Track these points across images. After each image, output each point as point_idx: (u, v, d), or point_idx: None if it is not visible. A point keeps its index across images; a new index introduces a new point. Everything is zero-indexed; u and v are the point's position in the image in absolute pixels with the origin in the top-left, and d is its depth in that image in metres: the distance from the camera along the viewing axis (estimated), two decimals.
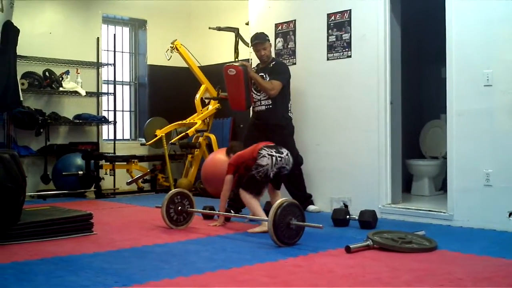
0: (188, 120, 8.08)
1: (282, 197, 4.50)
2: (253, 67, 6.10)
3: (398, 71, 5.95)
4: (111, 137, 8.81)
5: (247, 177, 4.89)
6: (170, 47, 8.07)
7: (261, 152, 4.85)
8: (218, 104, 8.08)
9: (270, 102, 5.89)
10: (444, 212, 5.25)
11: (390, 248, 3.95)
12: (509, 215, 4.81)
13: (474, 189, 5.02)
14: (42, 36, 8.15)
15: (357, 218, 5.05)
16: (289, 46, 6.64)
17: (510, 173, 4.82)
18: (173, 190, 5.17)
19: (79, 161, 7.68)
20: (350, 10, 6.01)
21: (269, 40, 6.07)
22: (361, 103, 5.90)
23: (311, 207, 6.09)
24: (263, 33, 6.15)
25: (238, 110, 6.31)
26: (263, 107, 5.93)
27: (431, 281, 3.15)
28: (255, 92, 5.98)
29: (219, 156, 7.13)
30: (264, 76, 5.93)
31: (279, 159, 4.84)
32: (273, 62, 6.04)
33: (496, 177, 4.89)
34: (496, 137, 4.91)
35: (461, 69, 5.12)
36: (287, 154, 4.93)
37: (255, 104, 6.02)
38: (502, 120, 4.88)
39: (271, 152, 4.84)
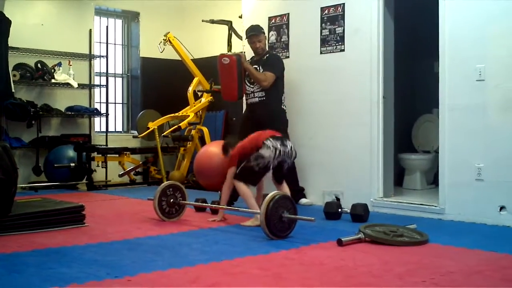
0: (180, 113, 8.07)
1: (273, 190, 4.48)
2: (248, 60, 6.09)
3: (391, 65, 5.95)
4: (103, 129, 8.79)
5: (243, 167, 4.77)
6: (163, 39, 8.05)
7: (266, 142, 4.70)
8: (211, 97, 8.07)
9: (264, 94, 5.88)
10: (435, 206, 5.27)
11: (381, 241, 3.96)
12: (500, 209, 4.84)
13: (466, 183, 5.04)
14: (34, 27, 8.10)
15: (349, 211, 5.06)
16: (282, 40, 6.63)
17: (501, 167, 4.84)
18: (165, 183, 5.16)
19: (71, 153, 7.66)
20: (344, 4, 6.00)
21: (264, 33, 6.07)
22: (354, 97, 5.90)
23: (303, 200, 6.11)
24: (258, 25, 6.14)
25: (230, 100, 6.29)
26: (257, 99, 5.92)
27: (422, 274, 3.16)
28: (249, 84, 5.97)
29: (212, 149, 7.13)
30: (258, 68, 5.93)
31: (282, 152, 4.71)
32: (267, 55, 6.05)
33: (488, 172, 4.91)
34: (488, 132, 4.93)
35: (453, 64, 5.14)
36: (291, 148, 4.82)
37: (249, 96, 6.01)
38: (494, 115, 4.90)
39: (276, 144, 4.70)
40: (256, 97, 5.92)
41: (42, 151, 7.94)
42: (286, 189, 4.95)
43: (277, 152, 4.69)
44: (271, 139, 4.74)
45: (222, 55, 5.99)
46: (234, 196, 5.76)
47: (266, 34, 6.57)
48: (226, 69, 5.92)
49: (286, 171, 4.92)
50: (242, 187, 4.76)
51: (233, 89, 5.94)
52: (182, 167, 7.99)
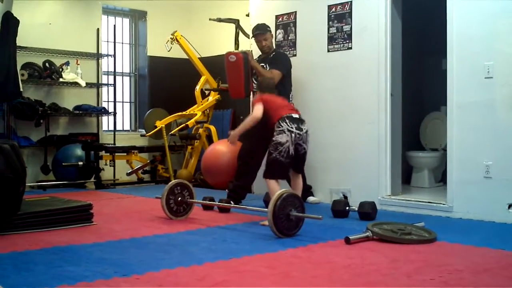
0: (188, 111, 8.07)
1: (282, 188, 4.46)
2: (255, 58, 6.09)
3: (399, 62, 5.94)
4: (111, 128, 8.80)
5: (269, 162, 4.66)
6: (170, 38, 8.05)
7: (282, 125, 4.63)
8: (218, 96, 8.08)
9: None
10: (443, 204, 5.26)
11: (389, 239, 3.95)
12: (509, 207, 4.82)
13: (474, 181, 5.02)
14: (42, 27, 8.13)
15: (356, 209, 5.05)
16: (289, 38, 6.62)
17: (509, 165, 4.82)
18: (173, 181, 5.17)
19: (79, 152, 7.68)
20: (351, 1, 5.99)
21: (270, 31, 6.06)
22: (362, 95, 5.90)
23: (310, 198, 6.10)
24: (264, 24, 6.13)
25: (237, 97, 6.28)
26: None
27: (431, 272, 3.16)
28: (256, 82, 5.97)
29: (219, 147, 7.16)
30: (265, 66, 5.93)
31: (298, 135, 4.62)
32: (274, 53, 6.04)
33: (496, 169, 4.89)
34: (496, 129, 4.91)
35: (462, 61, 5.12)
36: (306, 132, 4.71)
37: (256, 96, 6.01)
38: (502, 113, 4.88)
39: (291, 127, 4.62)
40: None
41: (50, 150, 7.97)
42: (299, 182, 4.87)
43: (293, 135, 4.61)
44: (287, 121, 4.65)
45: (229, 53, 6.00)
46: (242, 194, 5.78)
47: (273, 33, 6.57)
48: (233, 67, 5.93)
49: (303, 157, 4.79)
50: (273, 185, 4.61)
51: (240, 87, 5.94)
52: (189, 166, 8.00)
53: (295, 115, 4.74)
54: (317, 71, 6.33)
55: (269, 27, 6.09)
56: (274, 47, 6.26)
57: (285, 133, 4.62)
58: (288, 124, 4.65)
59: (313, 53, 6.37)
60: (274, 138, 4.65)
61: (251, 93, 6.09)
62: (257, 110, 4.81)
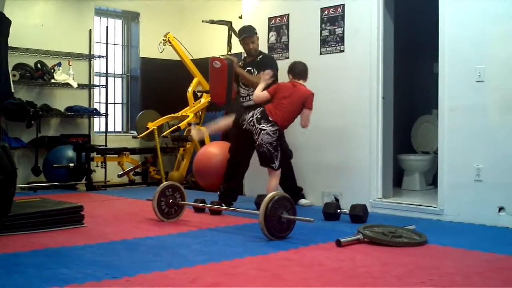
0: (180, 113, 8.07)
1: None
2: (240, 61, 6.07)
3: (391, 66, 5.95)
4: (103, 129, 8.78)
5: None
6: (163, 40, 8.05)
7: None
8: (210, 97, 8.06)
9: None
10: (434, 207, 5.27)
11: (380, 242, 3.96)
12: (499, 210, 4.84)
13: (465, 184, 5.04)
14: (34, 27, 8.10)
15: (348, 212, 5.06)
16: (282, 40, 6.63)
17: (500, 168, 4.84)
18: (164, 183, 5.16)
19: (70, 153, 7.65)
20: (344, 4, 6.00)
21: (257, 33, 6.02)
22: (354, 98, 5.91)
23: (302, 201, 6.10)
24: (251, 26, 6.12)
25: (218, 102, 6.25)
26: (252, 102, 5.88)
27: (421, 275, 3.17)
28: (244, 87, 5.95)
29: (211, 150, 7.16)
30: (252, 70, 5.90)
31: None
32: (260, 56, 5.99)
33: (487, 173, 4.91)
34: (487, 133, 4.93)
35: (453, 65, 5.14)
36: (251, 116, 5.36)
37: (244, 100, 5.99)
38: (493, 116, 4.90)
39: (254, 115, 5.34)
40: (252, 100, 5.87)
41: (42, 151, 7.94)
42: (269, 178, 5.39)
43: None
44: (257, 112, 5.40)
45: (214, 58, 5.96)
46: (233, 197, 5.78)
47: (266, 35, 6.57)
48: (217, 73, 5.89)
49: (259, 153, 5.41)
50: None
51: (222, 93, 5.91)
52: (181, 168, 7.99)
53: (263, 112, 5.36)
54: (309, 74, 6.29)
55: (256, 29, 6.05)
56: (260, 50, 6.18)
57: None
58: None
59: (306, 56, 6.35)
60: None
61: (241, 98, 6.05)
62: (264, 96, 5.49)
